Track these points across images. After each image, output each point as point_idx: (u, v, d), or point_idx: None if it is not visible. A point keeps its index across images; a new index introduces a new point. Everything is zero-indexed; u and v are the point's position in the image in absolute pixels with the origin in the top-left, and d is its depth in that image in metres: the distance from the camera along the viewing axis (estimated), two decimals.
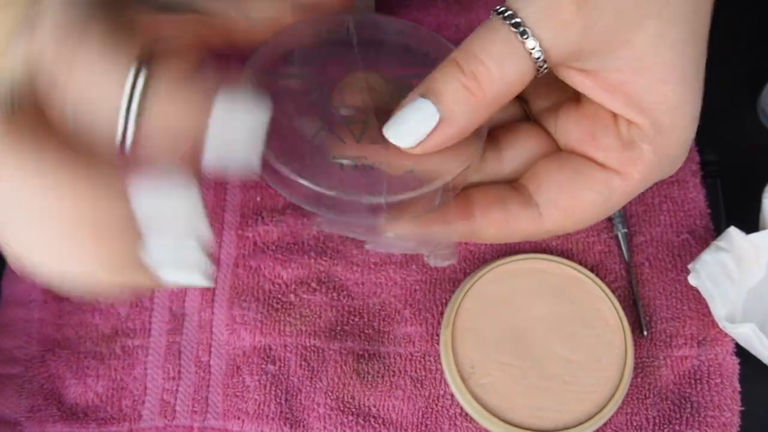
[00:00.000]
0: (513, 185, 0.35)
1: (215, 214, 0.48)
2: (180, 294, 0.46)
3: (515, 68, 0.30)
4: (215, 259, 0.47)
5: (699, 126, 0.49)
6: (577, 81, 0.32)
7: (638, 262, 0.46)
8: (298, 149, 0.33)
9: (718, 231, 0.46)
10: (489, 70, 0.30)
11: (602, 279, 0.46)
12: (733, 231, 0.43)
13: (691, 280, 0.42)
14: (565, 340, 0.43)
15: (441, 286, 0.46)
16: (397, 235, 0.34)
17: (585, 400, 0.42)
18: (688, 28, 0.31)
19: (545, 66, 0.30)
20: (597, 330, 0.43)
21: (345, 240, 0.47)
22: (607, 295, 0.44)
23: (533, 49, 0.30)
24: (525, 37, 0.30)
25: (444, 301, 0.45)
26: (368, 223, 0.33)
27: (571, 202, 0.34)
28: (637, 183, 0.33)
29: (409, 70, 0.35)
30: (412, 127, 0.31)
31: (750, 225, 0.45)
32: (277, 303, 0.45)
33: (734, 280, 0.43)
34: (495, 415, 0.41)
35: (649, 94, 0.31)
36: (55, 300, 0.46)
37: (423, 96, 0.31)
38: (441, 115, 0.31)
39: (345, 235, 0.36)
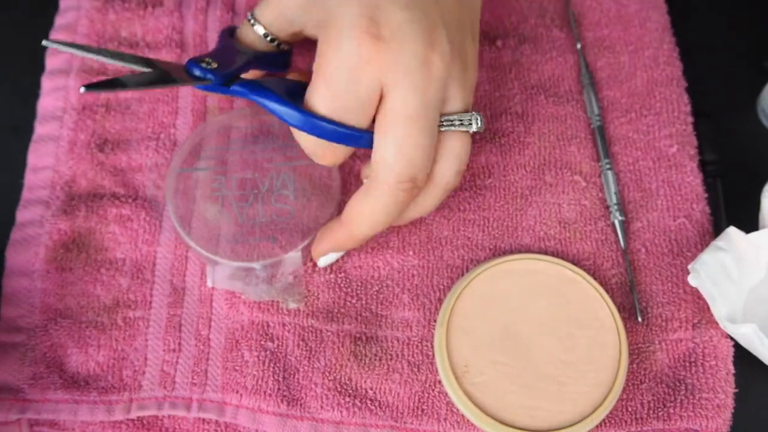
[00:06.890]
0: None
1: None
2: (181, 268, 0.46)
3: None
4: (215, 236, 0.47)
5: (699, 125, 0.50)
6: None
7: (635, 248, 0.46)
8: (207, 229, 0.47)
9: (718, 231, 0.46)
10: None
11: (599, 266, 0.46)
12: (732, 231, 0.43)
13: (691, 280, 0.42)
14: (559, 341, 0.43)
15: (439, 272, 0.46)
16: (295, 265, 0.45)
17: (578, 401, 0.42)
18: None
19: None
20: (591, 331, 0.43)
21: None
22: (602, 296, 0.44)
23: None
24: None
25: (442, 287, 0.46)
26: (245, 279, 0.45)
27: None
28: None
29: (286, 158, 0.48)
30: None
31: (750, 225, 0.45)
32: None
33: (734, 280, 0.43)
34: (488, 414, 0.41)
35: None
36: (58, 270, 0.46)
37: None
38: None
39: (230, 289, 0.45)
